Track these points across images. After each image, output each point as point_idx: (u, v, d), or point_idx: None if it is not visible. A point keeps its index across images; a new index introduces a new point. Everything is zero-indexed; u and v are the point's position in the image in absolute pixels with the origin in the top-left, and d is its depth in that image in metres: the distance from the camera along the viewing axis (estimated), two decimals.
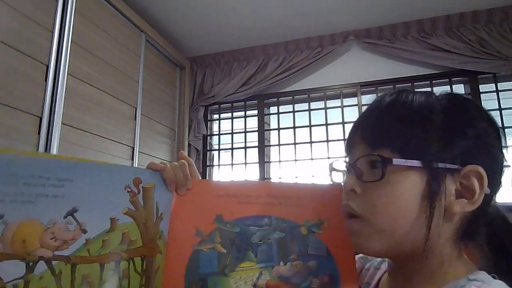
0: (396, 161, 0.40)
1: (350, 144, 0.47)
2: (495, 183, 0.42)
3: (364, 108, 0.50)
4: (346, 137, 0.49)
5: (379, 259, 0.56)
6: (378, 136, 0.42)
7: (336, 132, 2.32)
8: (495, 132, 0.43)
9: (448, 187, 0.40)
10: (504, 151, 0.43)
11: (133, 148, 1.87)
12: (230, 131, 2.59)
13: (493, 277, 0.39)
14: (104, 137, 1.65)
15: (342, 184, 0.47)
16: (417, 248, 0.41)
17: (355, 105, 2.31)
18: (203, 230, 0.51)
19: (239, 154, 2.52)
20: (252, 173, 2.44)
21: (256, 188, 0.55)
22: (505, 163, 0.43)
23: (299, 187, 0.55)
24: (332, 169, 0.50)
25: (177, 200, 0.52)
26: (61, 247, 0.40)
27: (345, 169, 0.48)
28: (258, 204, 0.52)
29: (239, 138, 2.56)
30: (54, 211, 0.40)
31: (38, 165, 0.40)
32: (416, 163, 0.40)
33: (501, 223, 0.47)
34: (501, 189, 0.43)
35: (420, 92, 0.45)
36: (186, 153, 2.36)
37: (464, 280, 0.39)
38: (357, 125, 0.47)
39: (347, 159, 0.48)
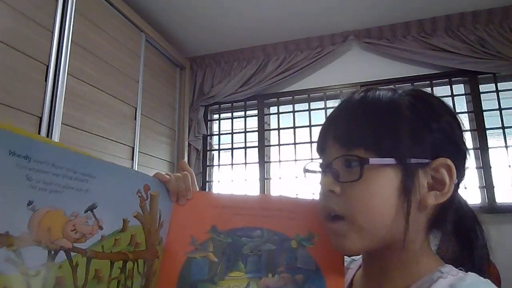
0: (372, 160, 0.41)
1: (322, 144, 0.48)
2: (461, 172, 0.45)
3: None
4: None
5: (349, 259, 0.58)
6: (351, 136, 0.44)
7: None
8: (458, 125, 0.46)
9: (420, 181, 0.42)
10: (466, 142, 0.46)
11: (133, 148, 1.87)
12: (230, 131, 2.59)
13: (460, 270, 0.42)
14: (104, 137, 1.65)
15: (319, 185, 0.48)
16: (395, 241, 0.43)
17: None
18: (197, 239, 0.53)
19: (239, 154, 2.52)
20: (252, 173, 2.44)
21: (251, 201, 0.56)
22: (467, 153, 0.46)
23: (292, 201, 0.55)
24: (306, 170, 0.51)
25: (176, 210, 0.55)
26: (79, 240, 0.41)
27: (319, 170, 0.49)
28: (252, 216, 0.54)
29: (239, 138, 2.56)
30: (76, 204, 0.41)
31: (67, 157, 0.41)
32: (390, 160, 0.41)
33: (467, 212, 0.48)
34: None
35: (386, 89, 0.46)
36: (186, 153, 2.37)
37: (437, 273, 0.41)
38: (328, 125, 0.48)
39: (321, 160, 0.49)
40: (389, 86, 0.48)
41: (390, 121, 0.43)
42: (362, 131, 0.43)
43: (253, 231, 0.52)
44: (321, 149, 0.49)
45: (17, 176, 0.36)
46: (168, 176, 0.54)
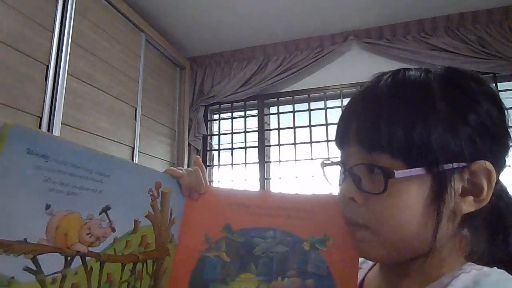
0: (399, 173, 0.36)
1: (342, 138, 0.43)
2: (501, 167, 0.40)
3: None
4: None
5: (362, 259, 0.53)
6: (375, 139, 0.38)
7: None
8: (498, 110, 0.39)
9: (455, 186, 0.37)
10: (508, 128, 0.40)
11: (133, 148, 1.87)
12: (230, 131, 2.58)
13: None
14: (104, 137, 1.65)
15: (338, 187, 0.45)
16: (421, 249, 0.40)
17: None
18: (211, 237, 0.51)
19: (239, 154, 2.52)
20: (252, 173, 2.44)
21: (267, 199, 0.54)
22: (510, 141, 0.40)
23: (310, 200, 0.52)
24: (324, 165, 0.48)
25: (190, 205, 0.53)
26: (94, 244, 0.40)
27: (338, 163, 0.45)
28: (266, 215, 0.52)
29: (239, 138, 2.56)
30: (91, 206, 0.40)
31: (83, 156, 0.39)
32: (420, 171, 0.36)
33: (506, 205, 0.42)
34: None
35: (418, 72, 0.40)
36: (186, 153, 2.37)
37: (457, 270, 0.37)
38: (349, 117, 0.43)
39: (340, 155, 0.45)
40: (422, 68, 0.41)
41: (421, 120, 0.36)
42: (387, 133, 0.37)
43: (266, 232, 0.50)
44: (341, 144, 0.44)
45: (35, 178, 0.34)
46: (180, 171, 0.52)
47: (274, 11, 2.10)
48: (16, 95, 1.24)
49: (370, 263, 0.53)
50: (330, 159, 0.47)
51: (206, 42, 2.45)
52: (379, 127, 0.38)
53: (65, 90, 1.42)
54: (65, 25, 1.45)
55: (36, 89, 1.32)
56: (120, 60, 1.81)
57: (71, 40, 1.47)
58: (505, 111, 0.40)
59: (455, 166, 0.36)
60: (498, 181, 0.40)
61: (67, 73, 1.44)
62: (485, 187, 0.37)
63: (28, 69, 1.29)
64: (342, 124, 0.44)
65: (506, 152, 0.40)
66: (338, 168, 0.47)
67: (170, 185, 0.51)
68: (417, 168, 0.36)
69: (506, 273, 0.35)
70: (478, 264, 0.38)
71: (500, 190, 0.42)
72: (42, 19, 1.36)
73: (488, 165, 0.37)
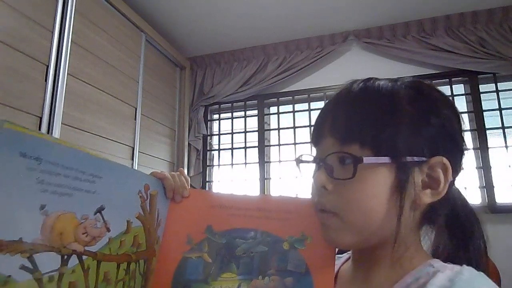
0: (367, 159, 0.40)
1: (318, 135, 0.47)
2: (457, 169, 0.44)
3: None
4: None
5: None
6: (347, 131, 0.42)
7: None
8: (457, 119, 0.44)
9: (415, 179, 0.41)
10: (464, 136, 0.45)
11: (133, 148, 1.87)
12: (230, 131, 2.59)
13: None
14: (104, 137, 1.65)
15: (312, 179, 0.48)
16: (386, 238, 0.43)
17: None
18: (193, 238, 0.53)
19: (239, 154, 2.52)
20: (252, 173, 2.44)
21: (248, 201, 0.56)
22: (464, 147, 0.45)
23: (289, 201, 0.55)
24: (299, 161, 0.50)
25: (173, 207, 0.55)
26: (90, 243, 0.41)
27: (312, 161, 0.48)
28: (247, 217, 0.54)
29: (239, 138, 2.56)
30: (86, 206, 0.41)
31: (76, 157, 0.40)
32: (385, 159, 0.40)
33: (463, 207, 0.47)
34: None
35: (386, 80, 0.45)
36: (186, 153, 2.38)
37: (429, 267, 0.41)
38: (324, 116, 0.47)
39: (315, 152, 0.48)
40: (390, 78, 0.47)
41: (389, 117, 0.41)
42: (358, 126, 0.42)
43: (247, 233, 0.52)
44: (316, 141, 0.48)
45: (28, 180, 0.35)
46: (164, 173, 0.54)
47: (274, 11, 2.10)
48: (16, 95, 1.24)
49: (343, 259, 0.55)
50: (306, 155, 0.50)
51: (206, 42, 2.45)
52: (351, 121, 0.43)
53: (65, 90, 1.42)
54: (65, 25, 1.45)
55: (36, 89, 1.32)
56: (120, 60, 1.81)
57: (71, 40, 1.47)
58: (462, 121, 0.45)
59: (416, 159, 0.41)
60: (453, 183, 0.45)
61: (67, 73, 1.44)
62: (442, 180, 0.41)
63: (28, 69, 1.30)
64: (319, 121, 0.47)
65: (461, 157, 0.45)
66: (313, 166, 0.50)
67: (156, 188, 0.52)
68: (383, 157, 0.41)
69: (474, 270, 0.39)
70: (447, 259, 0.43)
71: (455, 192, 0.47)
72: (42, 19, 1.36)
73: (445, 160, 0.41)
